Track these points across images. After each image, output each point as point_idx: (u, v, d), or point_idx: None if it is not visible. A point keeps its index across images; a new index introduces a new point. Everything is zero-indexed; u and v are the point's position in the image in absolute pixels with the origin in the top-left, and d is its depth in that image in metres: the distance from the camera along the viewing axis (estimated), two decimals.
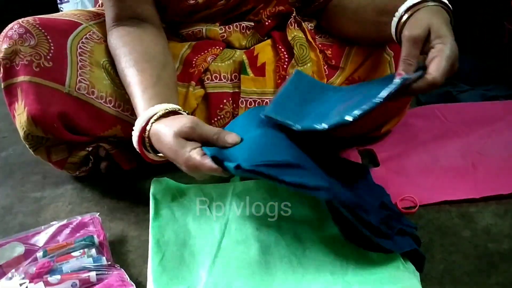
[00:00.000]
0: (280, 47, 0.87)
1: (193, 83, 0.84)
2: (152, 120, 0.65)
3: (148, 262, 0.64)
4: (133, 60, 0.74)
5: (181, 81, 0.84)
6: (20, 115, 0.75)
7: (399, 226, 0.65)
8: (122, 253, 0.70)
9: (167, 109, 0.66)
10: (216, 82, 0.86)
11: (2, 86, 0.77)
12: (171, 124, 0.63)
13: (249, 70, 0.86)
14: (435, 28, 0.65)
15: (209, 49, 0.86)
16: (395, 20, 0.71)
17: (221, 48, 0.87)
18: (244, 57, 0.87)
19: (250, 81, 0.86)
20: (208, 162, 0.59)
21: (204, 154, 0.60)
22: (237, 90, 0.86)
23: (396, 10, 0.70)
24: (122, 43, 0.77)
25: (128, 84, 0.73)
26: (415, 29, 0.66)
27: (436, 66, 0.64)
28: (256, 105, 0.85)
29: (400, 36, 0.70)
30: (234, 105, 0.86)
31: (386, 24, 0.73)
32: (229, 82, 0.86)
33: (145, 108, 0.68)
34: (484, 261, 0.67)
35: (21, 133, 0.77)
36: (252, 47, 0.89)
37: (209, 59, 0.85)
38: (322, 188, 0.57)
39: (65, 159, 0.82)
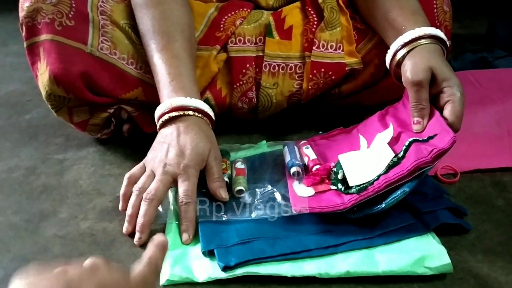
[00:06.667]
0: (309, 9, 0.84)
1: (217, 47, 0.82)
2: (189, 112, 0.67)
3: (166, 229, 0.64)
4: (162, 31, 0.73)
5: (204, 45, 0.82)
6: (42, 74, 0.74)
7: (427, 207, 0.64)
8: None
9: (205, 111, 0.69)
10: (240, 46, 0.83)
11: (25, 46, 0.76)
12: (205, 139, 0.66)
13: (275, 33, 0.83)
14: (438, 70, 0.65)
15: (237, 11, 0.83)
16: (388, 55, 0.72)
17: (248, 10, 0.84)
18: (271, 19, 0.84)
19: (275, 44, 0.83)
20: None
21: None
22: (260, 54, 0.83)
23: (402, 29, 0.70)
24: (146, 2, 0.75)
25: (154, 63, 0.72)
26: (417, 73, 0.65)
27: (452, 110, 0.63)
28: (280, 69, 0.83)
29: (395, 72, 0.72)
30: (257, 69, 0.83)
31: (389, 38, 0.73)
32: (253, 45, 0.84)
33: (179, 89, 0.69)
34: None
35: (43, 93, 0.76)
36: (280, 10, 0.86)
37: (237, 22, 0.83)
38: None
39: (87, 121, 0.81)
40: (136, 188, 0.64)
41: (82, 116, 0.81)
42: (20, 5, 0.75)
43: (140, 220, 0.62)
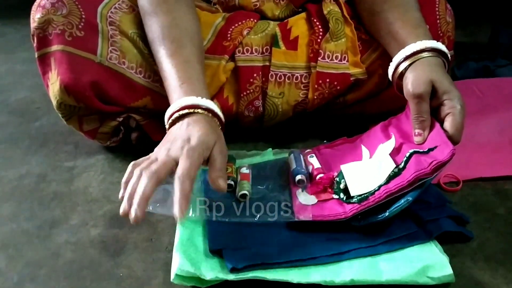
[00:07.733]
0: (315, 20, 0.85)
1: (226, 56, 0.83)
2: (199, 111, 0.66)
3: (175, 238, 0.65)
4: (172, 38, 0.73)
5: (211, 54, 0.83)
6: (53, 84, 0.76)
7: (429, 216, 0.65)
8: (152, 222, 0.71)
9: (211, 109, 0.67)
10: (247, 56, 0.85)
11: (36, 56, 0.78)
12: (208, 130, 0.63)
13: (281, 43, 0.85)
14: (438, 83, 0.66)
15: (244, 21, 0.85)
16: (391, 68, 0.73)
17: (255, 20, 0.86)
18: (277, 29, 0.85)
19: (281, 54, 0.84)
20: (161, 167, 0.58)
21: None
22: (267, 64, 0.85)
23: (404, 42, 0.71)
24: (156, 10, 0.75)
25: (164, 68, 0.72)
26: (418, 86, 0.67)
27: (453, 123, 0.64)
28: (286, 79, 0.84)
29: (397, 83, 0.72)
30: (264, 79, 0.85)
31: (392, 51, 0.75)
32: (260, 55, 0.85)
33: (188, 90, 0.68)
34: None
35: (54, 102, 0.78)
36: (286, 20, 0.87)
37: (245, 32, 0.84)
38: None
39: (96, 129, 0.83)
40: (137, 170, 0.59)
41: (92, 125, 0.82)
42: (31, 16, 0.77)
43: (137, 194, 0.56)
